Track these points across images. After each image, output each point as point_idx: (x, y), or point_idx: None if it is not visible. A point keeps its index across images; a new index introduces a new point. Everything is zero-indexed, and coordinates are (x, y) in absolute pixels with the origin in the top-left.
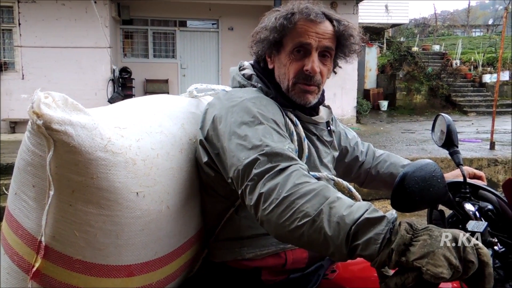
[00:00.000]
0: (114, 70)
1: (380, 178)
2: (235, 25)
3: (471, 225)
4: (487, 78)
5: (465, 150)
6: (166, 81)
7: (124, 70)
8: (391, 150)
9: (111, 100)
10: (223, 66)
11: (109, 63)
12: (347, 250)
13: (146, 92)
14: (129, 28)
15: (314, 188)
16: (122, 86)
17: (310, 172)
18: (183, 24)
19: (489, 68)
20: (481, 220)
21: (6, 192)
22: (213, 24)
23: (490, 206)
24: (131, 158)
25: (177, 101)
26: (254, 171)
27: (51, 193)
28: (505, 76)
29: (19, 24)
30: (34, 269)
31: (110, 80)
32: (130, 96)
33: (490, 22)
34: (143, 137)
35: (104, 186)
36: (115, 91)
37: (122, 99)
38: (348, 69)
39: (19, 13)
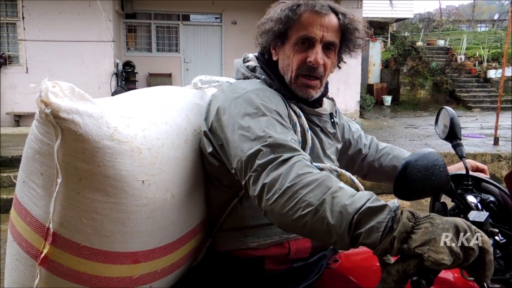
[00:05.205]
0: (117, 64)
1: (383, 171)
2: (238, 19)
3: (473, 215)
4: (492, 74)
5: (469, 146)
6: (170, 75)
7: (128, 64)
8: (394, 145)
9: (115, 94)
10: (226, 60)
11: (112, 57)
12: (350, 238)
13: (150, 86)
14: (132, 22)
15: (316, 178)
16: (126, 80)
17: (314, 163)
18: (186, 18)
19: (494, 64)
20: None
21: (14, 180)
22: (216, 18)
23: (492, 198)
24: (137, 147)
25: (181, 92)
26: (257, 162)
27: (59, 180)
28: (510, 71)
29: (23, 18)
30: (43, 255)
31: (113, 74)
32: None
33: (496, 17)
34: (148, 127)
35: (110, 174)
36: (119, 85)
37: None
38: (351, 64)
39: (22, 6)
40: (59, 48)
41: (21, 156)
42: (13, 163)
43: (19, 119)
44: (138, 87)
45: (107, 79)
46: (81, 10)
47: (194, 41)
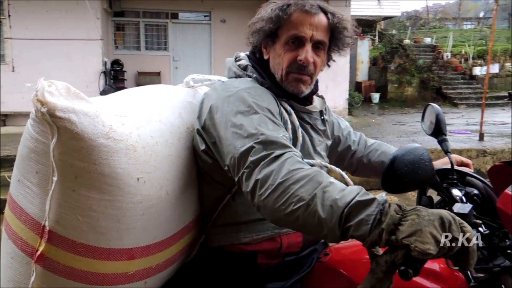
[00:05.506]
0: (105, 63)
1: (371, 167)
2: (227, 17)
3: (457, 207)
4: (478, 71)
5: (455, 142)
6: (158, 73)
7: (116, 63)
8: (382, 141)
9: (103, 93)
10: (215, 59)
11: (100, 55)
12: (340, 231)
13: (138, 84)
14: (120, 20)
15: (308, 174)
16: (114, 79)
17: (304, 160)
18: (175, 16)
19: (479, 61)
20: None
21: (9, 180)
22: (205, 16)
23: (476, 191)
24: (132, 145)
25: (174, 91)
26: (250, 159)
27: (55, 179)
28: (495, 68)
29: (9, 15)
30: (38, 253)
31: (101, 72)
32: (122, 88)
33: (481, 15)
34: (142, 125)
35: (106, 172)
36: (107, 83)
37: (114, 92)
38: (340, 61)
39: (8, 4)
40: (46, 47)
41: (8, 156)
42: (0, 163)
43: (5, 118)
44: (126, 86)
45: (95, 78)
46: (69, 8)
47: (183, 40)
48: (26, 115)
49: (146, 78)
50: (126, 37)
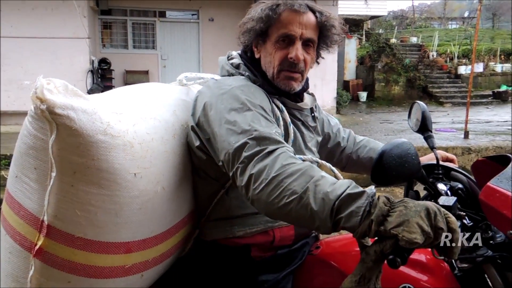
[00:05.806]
0: (93, 61)
1: (360, 162)
2: (215, 16)
3: (442, 199)
4: (463, 70)
5: (440, 140)
6: (147, 72)
7: (103, 61)
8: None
9: (90, 92)
10: (203, 57)
11: (87, 54)
12: (332, 223)
13: (126, 83)
14: (107, 18)
15: (300, 168)
16: (102, 78)
17: (296, 155)
18: (162, 14)
19: (464, 60)
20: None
21: (6, 176)
22: (193, 14)
23: (460, 186)
24: (129, 141)
25: (168, 89)
26: (244, 154)
27: (53, 174)
28: (479, 67)
29: None
30: (37, 247)
31: (89, 71)
32: (110, 87)
33: (466, 14)
34: (138, 122)
35: (104, 167)
36: (95, 82)
37: (102, 91)
38: (328, 60)
39: None
40: (32, 45)
41: None
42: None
43: None
44: (114, 85)
45: (83, 77)
46: (55, 6)
47: (171, 38)
48: (12, 114)
49: (134, 76)
50: (113, 36)
